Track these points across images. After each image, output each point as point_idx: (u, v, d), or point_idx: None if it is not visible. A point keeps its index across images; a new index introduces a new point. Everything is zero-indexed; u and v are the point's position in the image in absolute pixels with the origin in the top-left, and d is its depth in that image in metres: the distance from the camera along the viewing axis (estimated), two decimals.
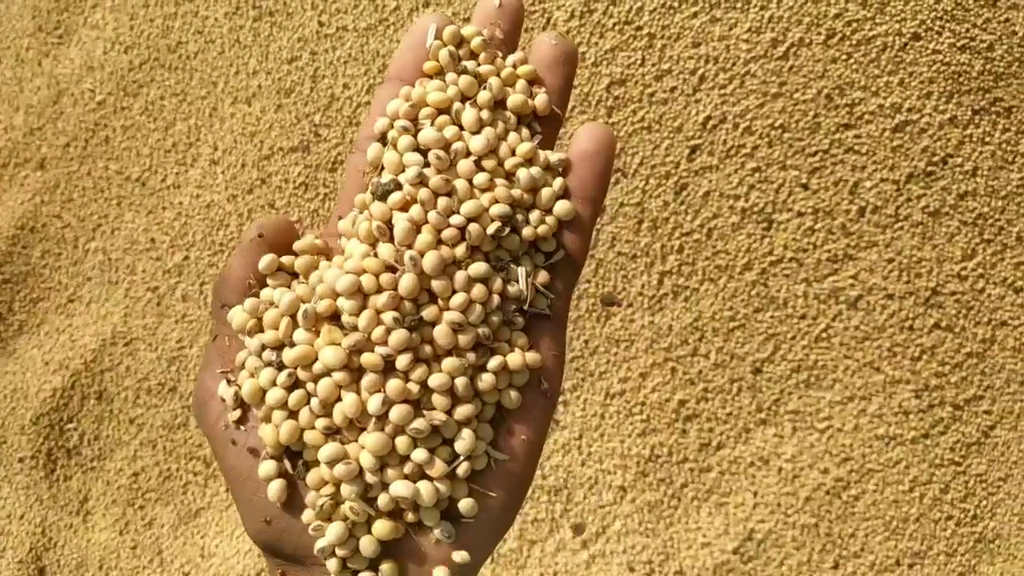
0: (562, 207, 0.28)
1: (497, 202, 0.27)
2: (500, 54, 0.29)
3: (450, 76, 0.28)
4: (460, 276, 0.26)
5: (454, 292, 0.26)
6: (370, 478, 0.26)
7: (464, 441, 0.26)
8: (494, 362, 0.26)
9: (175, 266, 0.83)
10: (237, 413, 0.27)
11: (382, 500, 0.26)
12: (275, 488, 0.26)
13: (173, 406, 0.82)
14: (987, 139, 0.71)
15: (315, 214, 0.77)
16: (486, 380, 0.26)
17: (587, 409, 0.76)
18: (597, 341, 0.75)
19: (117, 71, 0.84)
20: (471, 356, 0.26)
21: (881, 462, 0.74)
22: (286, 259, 0.28)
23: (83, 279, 0.86)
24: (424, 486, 0.26)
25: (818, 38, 0.69)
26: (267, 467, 0.26)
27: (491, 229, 0.27)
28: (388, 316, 0.25)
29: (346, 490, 0.26)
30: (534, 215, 0.28)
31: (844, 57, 0.69)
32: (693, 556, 0.75)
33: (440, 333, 0.26)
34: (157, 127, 0.83)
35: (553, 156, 0.28)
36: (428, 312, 0.26)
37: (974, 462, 0.75)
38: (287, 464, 0.27)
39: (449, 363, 0.26)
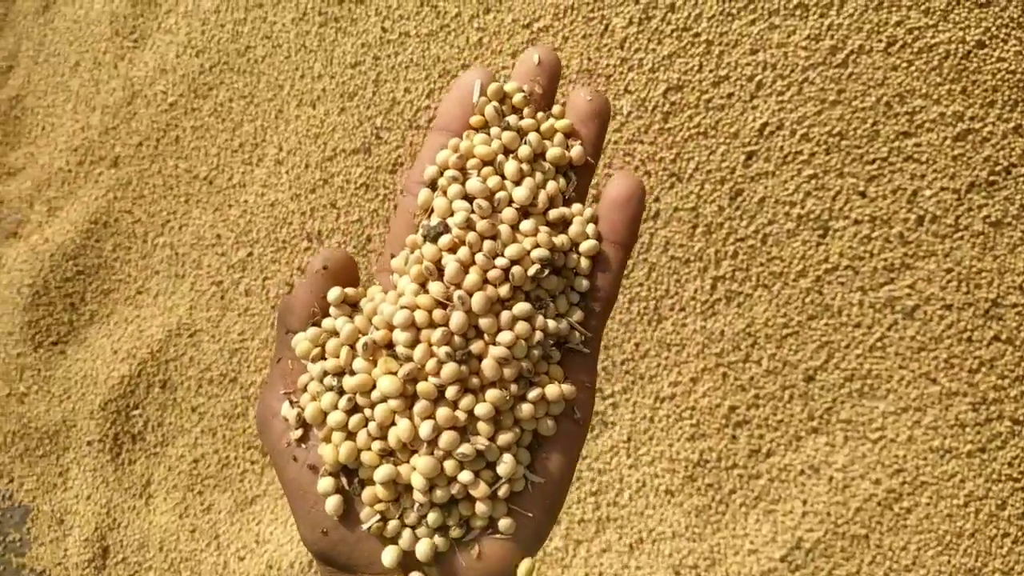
0: (589, 246, 0.30)
1: (538, 246, 0.29)
2: (540, 110, 0.32)
3: (494, 130, 0.31)
4: (505, 315, 0.29)
5: (499, 329, 0.28)
6: (419, 497, 0.28)
7: (505, 465, 0.28)
8: (533, 393, 0.29)
9: (239, 261, 0.86)
10: (299, 432, 0.29)
11: (431, 517, 0.28)
12: (332, 503, 0.28)
13: (233, 396, 0.85)
14: None
15: (375, 214, 0.79)
16: (525, 410, 0.29)
17: (636, 412, 0.76)
18: (648, 344, 0.75)
19: (188, 74, 0.87)
20: (514, 387, 0.28)
21: (935, 475, 0.73)
22: (348, 291, 0.31)
23: (151, 272, 0.90)
24: (482, 504, 0.28)
25: (879, 45, 0.69)
26: (326, 483, 0.29)
27: (532, 271, 0.29)
28: (442, 350, 0.28)
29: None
30: (570, 258, 0.30)
31: (905, 65, 0.69)
32: (740, 563, 0.75)
33: (487, 367, 0.28)
34: (225, 128, 0.86)
35: (587, 210, 0.31)
36: (476, 346, 0.28)
37: None
38: (343, 481, 0.29)
39: (493, 394, 0.28)
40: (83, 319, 0.91)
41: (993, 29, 0.68)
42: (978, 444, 0.73)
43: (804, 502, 0.74)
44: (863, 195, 0.70)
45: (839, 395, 0.73)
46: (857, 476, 0.74)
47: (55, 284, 0.90)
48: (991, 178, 0.70)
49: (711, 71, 0.71)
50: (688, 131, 0.72)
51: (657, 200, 0.74)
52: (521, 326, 0.28)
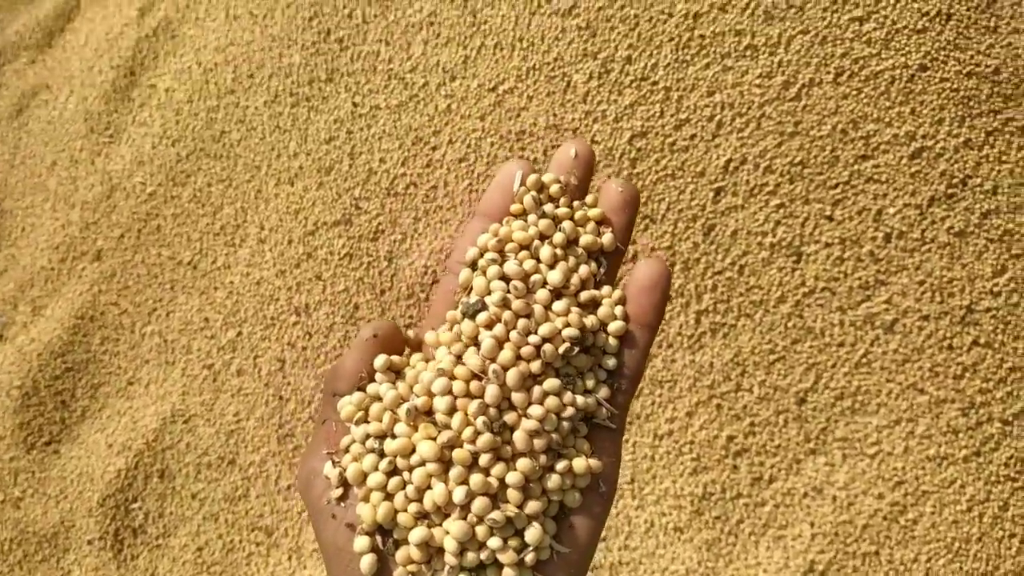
0: (616, 326, 0.32)
1: (568, 326, 0.31)
2: (575, 199, 0.35)
3: (531, 217, 0.33)
4: (537, 390, 0.30)
5: (531, 403, 0.30)
6: (451, 560, 0.29)
7: (533, 532, 0.29)
8: (561, 465, 0.30)
9: (229, 342, 0.86)
10: (340, 491, 0.30)
11: None
12: (368, 561, 0.29)
13: (233, 478, 0.84)
14: (1004, 158, 0.73)
15: (360, 282, 0.80)
16: (553, 480, 0.30)
17: (636, 452, 0.77)
18: (641, 384, 0.76)
19: (166, 163, 0.89)
20: (543, 459, 0.30)
21: (935, 483, 0.74)
22: (394, 358, 0.32)
23: (141, 362, 0.90)
24: (508, 571, 0.29)
25: (827, 77, 0.72)
26: (362, 542, 0.30)
27: (562, 349, 0.31)
28: (478, 420, 0.30)
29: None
30: (599, 337, 0.32)
31: (855, 93, 0.72)
32: None
33: (519, 438, 0.30)
34: (206, 212, 0.87)
35: (616, 292, 0.33)
36: (509, 418, 0.30)
37: None
38: (379, 540, 0.30)
39: (524, 464, 0.30)
40: (75, 416, 0.90)
41: (933, 52, 0.72)
42: (973, 448, 0.74)
43: (812, 524, 0.75)
44: (830, 219, 0.73)
45: (832, 414, 0.74)
46: (860, 492, 0.75)
47: (44, 383, 0.89)
48: (949, 191, 0.73)
49: (672, 115, 0.74)
50: (656, 174, 0.74)
51: (634, 243, 0.76)
52: (551, 400, 0.30)
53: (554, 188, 0.33)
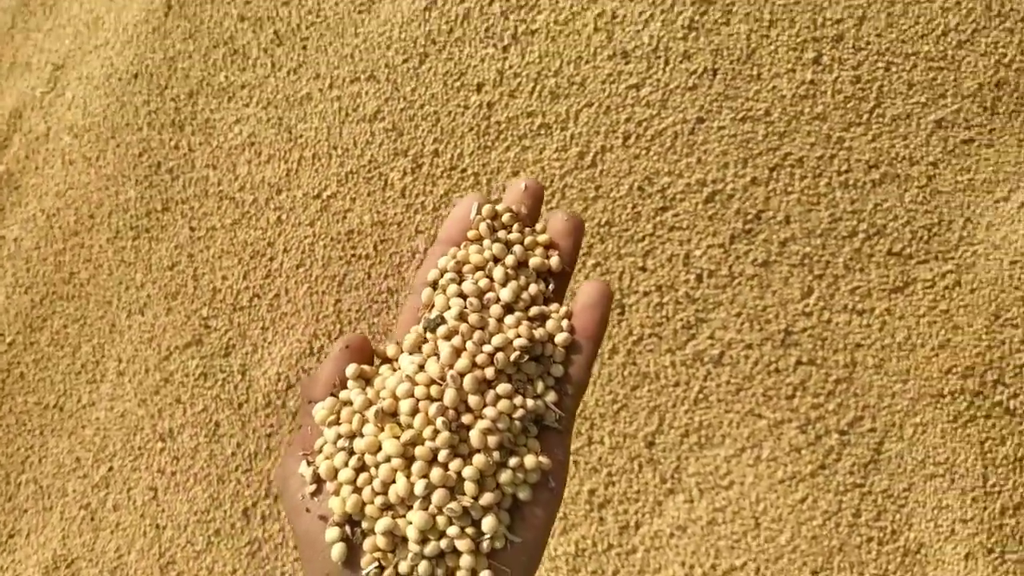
0: (562, 337, 0.36)
1: (519, 336, 0.34)
2: (526, 226, 0.39)
3: (486, 242, 0.37)
4: (491, 394, 0.34)
5: (485, 405, 0.33)
6: (413, 548, 0.32)
7: (489, 521, 0.32)
8: (513, 461, 0.33)
9: (101, 479, 0.86)
10: (313, 487, 0.33)
11: (422, 568, 0.32)
12: (338, 549, 0.32)
13: None
14: (789, 189, 0.80)
15: (217, 399, 0.82)
16: (506, 475, 0.33)
17: None
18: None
19: (21, 311, 0.90)
20: (496, 455, 0.33)
21: (789, 503, 0.77)
22: (364, 367, 0.36)
23: (19, 512, 0.88)
24: (467, 556, 0.32)
25: (617, 142, 0.78)
26: (333, 532, 0.33)
27: (513, 357, 0.34)
28: (439, 421, 0.33)
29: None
30: (547, 347, 0.35)
31: (644, 152, 0.78)
32: None
33: (474, 436, 0.33)
34: (65, 353, 0.88)
35: (563, 308, 0.37)
36: (466, 418, 0.33)
37: (875, 480, 0.78)
38: (348, 531, 0.32)
39: (479, 459, 0.33)
40: None
41: (707, 105, 0.79)
42: (817, 463, 0.78)
43: (683, 563, 0.77)
44: (644, 269, 0.78)
45: (681, 452, 0.78)
46: (722, 523, 0.77)
47: None
48: (747, 226, 0.79)
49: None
50: None
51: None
52: (503, 403, 0.33)
53: (506, 217, 0.37)
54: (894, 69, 0.84)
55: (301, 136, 0.81)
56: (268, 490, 0.81)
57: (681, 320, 0.78)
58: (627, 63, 0.79)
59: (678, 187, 0.78)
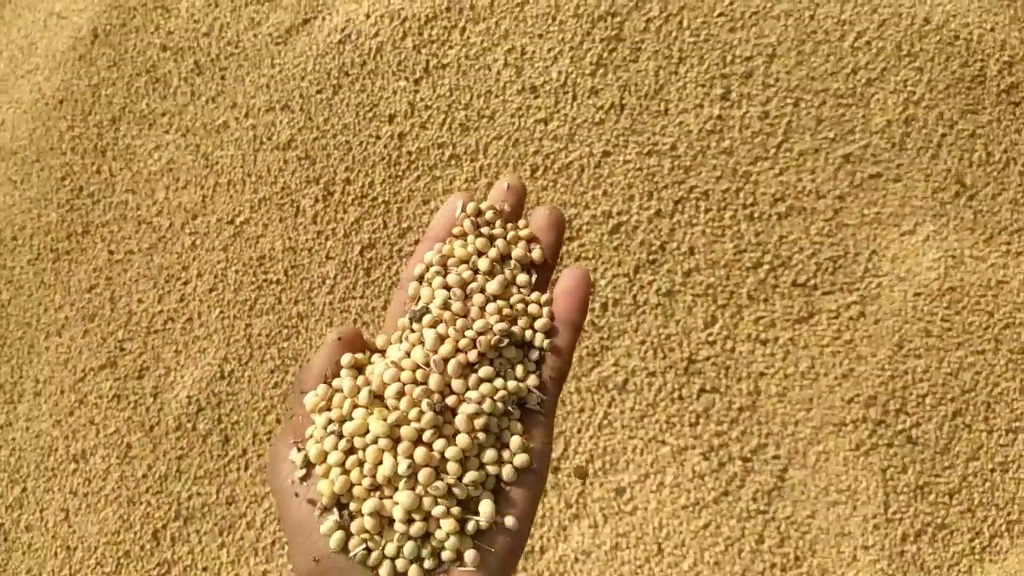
0: (542, 322, 0.37)
1: (500, 322, 0.35)
2: (508, 222, 0.40)
3: (471, 238, 0.38)
4: (473, 377, 0.35)
5: (468, 388, 0.34)
6: (400, 528, 0.33)
7: (485, 506, 0.33)
8: (497, 442, 0.35)
9: (15, 499, 0.86)
10: (302, 472, 0.34)
11: (407, 548, 0.33)
12: (336, 538, 0.33)
13: None
14: (694, 221, 0.81)
15: (129, 421, 0.82)
16: (489, 455, 0.34)
17: None
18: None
19: None
20: (481, 436, 0.34)
21: (692, 529, 0.78)
22: (357, 356, 0.36)
23: None
24: (453, 537, 0.33)
25: (525, 173, 0.80)
26: (329, 522, 0.33)
27: (494, 340, 0.35)
28: (424, 403, 0.34)
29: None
30: (528, 333, 0.36)
31: (551, 184, 0.80)
32: None
33: (459, 419, 0.34)
34: None
35: (544, 296, 0.38)
36: (450, 400, 0.34)
37: (779, 507, 0.79)
38: (338, 514, 0.33)
39: (463, 439, 0.34)
40: None
41: (613, 139, 0.81)
42: (720, 489, 0.79)
43: None
44: None
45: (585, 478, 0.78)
46: (626, 548, 0.78)
47: None
48: (651, 257, 0.80)
49: (395, 225, 0.80)
50: (389, 279, 0.80)
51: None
52: (486, 386, 0.34)
53: (489, 214, 0.39)
54: (803, 105, 0.86)
55: (217, 163, 0.83)
56: (178, 512, 0.81)
57: (586, 347, 0.79)
58: (536, 98, 0.81)
59: (584, 218, 0.80)
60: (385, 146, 0.80)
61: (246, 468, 0.80)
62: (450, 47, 0.82)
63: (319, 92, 0.82)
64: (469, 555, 0.33)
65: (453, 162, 0.80)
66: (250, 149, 0.82)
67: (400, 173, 0.80)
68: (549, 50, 0.81)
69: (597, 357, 0.79)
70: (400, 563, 0.33)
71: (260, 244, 0.81)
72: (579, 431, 0.79)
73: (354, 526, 0.33)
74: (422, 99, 0.81)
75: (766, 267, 0.82)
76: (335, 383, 0.35)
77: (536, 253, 0.39)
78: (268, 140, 0.82)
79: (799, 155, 0.85)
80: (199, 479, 0.80)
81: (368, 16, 0.84)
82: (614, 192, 0.80)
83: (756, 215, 0.83)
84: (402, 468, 0.33)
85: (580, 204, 0.80)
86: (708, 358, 0.80)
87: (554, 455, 0.78)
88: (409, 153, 0.80)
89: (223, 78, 0.84)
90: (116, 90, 0.87)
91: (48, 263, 0.87)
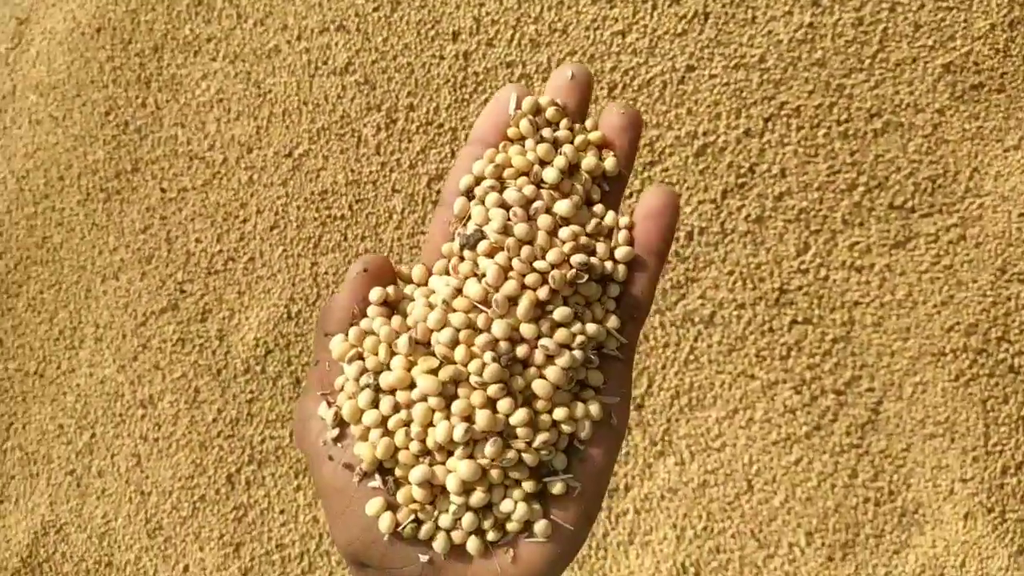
0: (623, 252, 0.30)
1: (578, 252, 0.29)
2: (574, 123, 0.32)
3: (529, 143, 0.30)
4: (547, 321, 0.28)
5: (541, 334, 0.28)
6: (456, 499, 0.28)
7: (549, 466, 0.28)
8: (569, 395, 0.29)
9: (85, 445, 0.84)
10: (336, 432, 0.29)
11: (466, 520, 0.28)
12: (385, 520, 0.28)
13: None
14: (785, 140, 0.75)
15: (196, 365, 0.80)
16: (561, 412, 0.28)
17: None
18: None
19: None
20: (565, 396, 0.28)
21: (783, 465, 0.75)
22: (389, 290, 0.30)
23: (7, 479, 0.87)
24: (521, 506, 0.28)
25: (602, 92, 0.74)
26: (375, 503, 0.28)
27: (570, 275, 0.28)
28: (487, 355, 0.28)
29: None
30: (606, 266, 0.29)
31: (631, 102, 0.74)
32: None
33: (551, 374, 0.28)
34: (42, 319, 0.86)
35: (622, 219, 0.31)
36: (520, 350, 0.28)
37: (872, 440, 0.75)
38: (381, 483, 0.28)
39: (542, 404, 0.28)
40: None
41: (697, 52, 0.74)
42: (812, 424, 0.75)
43: (674, 525, 0.75)
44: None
45: (671, 414, 0.75)
46: (714, 485, 0.75)
47: None
48: (739, 180, 0.74)
49: None
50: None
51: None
52: (562, 331, 0.28)
53: (551, 111, 0.31)
54: (899, 10, 0.78)
55: (270, 91, 0.77)
56: (251, 456, 0.79)
57: (670, 280, 0.74)
58: (612, 8, 0.74)
59: (667, 140, 0.74)
60: (450, 67, 0.74)
61: None
62: None
63: (376, 9, 0.76)
64: (539, 526, 0.28)
65: (524, 82, 0.73)
66: (305, 75, 0.76)
67: (467, 96, 0.74)
68: None
69: (682, 290, 0.74)
70: (457, 535, 0.28)
71: (321, 178, 0.76)
72: (664, 367, 0.75)
73: (401, 495, 0.28)
74: (488, 13, 0.74)
75: (861, 189, 0.76)
76: (364, 324, 0.29)
77: (610, 162, 0.31)
78: (324, 65, 0.76)
79: (895, 65, 0.77)
80: (271, 422, 0.78)
81: None
82: (699, 110, 0.73)
83: (851, 132, 0.76)
84: (458, 434, 0.27)
85: (663, 124, 0.73)
86: (800, 288, 0.75)
87: (638, 392, 0.75)
88: (476, 74, 0.74)
89: None
90: (156, 15, 0.81)
91: (99, 203, 0.83)
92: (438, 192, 0.75)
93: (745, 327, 0.74)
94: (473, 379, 0.27)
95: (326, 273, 0.77)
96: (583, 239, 0.29)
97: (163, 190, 0.81)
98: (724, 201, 0.74)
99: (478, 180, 0.30)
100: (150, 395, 0.81)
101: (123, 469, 0.83)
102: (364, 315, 0.30)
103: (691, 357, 0.75)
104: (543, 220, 0.29)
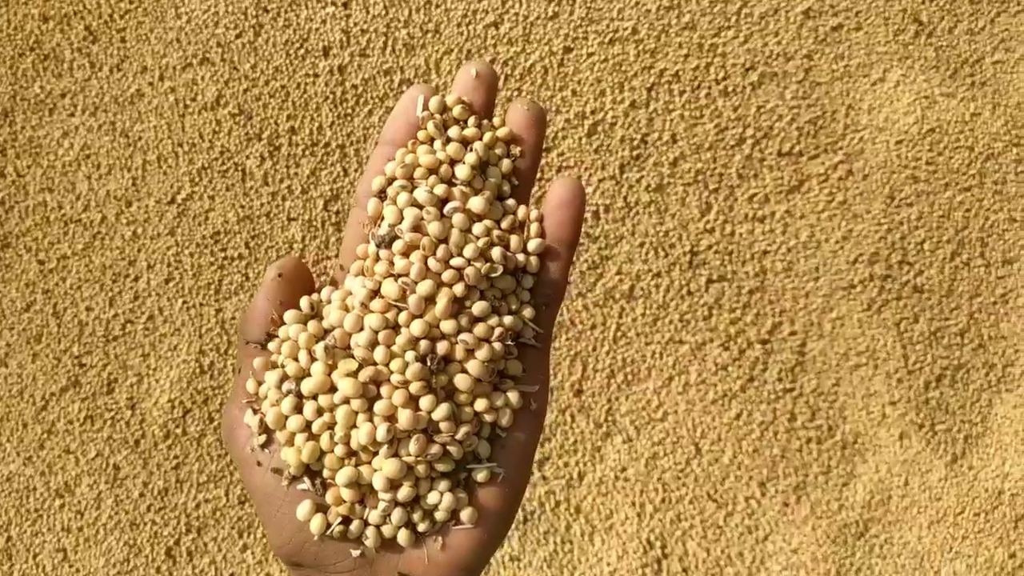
0: (535, 244, 0.31)
1: (494, 245, 0.29)
2: (483, 120, 0.33)
3: (438, 143, 0.31)
4: (465, 316, 0.29)
5: (460, 329, 0.29)
6: (384, 496, 0.28)
7: (472, 456, 0.29)
8: (489, 385, 0.30)
9: (2, 552, 0.77)
10: (262, 438, 0.29)
11: (396, 515, 0.29)
12: (316, 522, 0.29)
13: None
14: (671, 107, 0.76)
15: (109, 441, 0.74)
16: (482, 403, 0.29)
17: None
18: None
19: None
20: (486, 387, 0.29)
21: (725, 422, 0.76)
22: (314, 297, 0.31)
23: None
24: (447, 497, 0.29)
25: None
26: (305, 507, 0.29)
27: (485, 269, 0.29)
28: (409, 355, 0.28)
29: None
30: (520, 257, 0.30)
31: (515, 92, 0.73)
32: None
33: (461, 381, 0.29)
34: None
35: (533, 212, 0.31)
36: (441, 347, 0.29)
37: (803, 382, 0.77)
38: (307, 483, 0.29)
39: (463, 395, 0.29)
40: None
41: (572, 33, 0.74)
42: (745, 377, 0.76)
43: (633, 504, 0.75)
44: None
45: (610, 394, 0.75)
46: (664, 456, 0.75)
47: None
48: (634, 153, 0.75)
49: (355, 170, 0.72)
50: None
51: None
52: (482, 326, 0.29)
53: (458, 110, 0.31)
54: None
55: (140, 138, 0.73)
56: (188, 524, 0.75)
57: (586, 261, 0.74)
58: (480, 1, 0.74)
59: (558, 124, 0.74)
60: (326, 84, 0.72)
61: None
62: None
63: (238, 36, 0.73)
64: (466, 513, 0.29)
65: (404, 87, 0.72)
66: (174, 115, 0.72)
67: (349, 111, 0.72)
68: None
69: (599, 269, 0.75)
70: (387, 529, 0.29)
71: (210, 219, 0.72)
72: (594, 349, 0.75)
73: (329, 496, 0.29)
74: (356, 23, 0.73)
75: (750, 142, 0.78)
76: (282, 332, 0.30)
77: (523, 161, 0.32)
78: (192, 102, 0.72)
79: (760, 18, 0.80)
80: (203, 484, 0.73)
81: None
82: (583, 90, 0.74)
83: (730, 89, 0.78)
84: (381, 434, 0.28)
85: (551, 109, 0.73)
86: (710, 247, 0.76)
87: (574, 377, 0.75)
88: (354, 87, 0.72)
89: (123, 40, 0.73)
90: (0, 77, 0.75)
91: None
92: (337, 214, 0.73)
93: (665, 295, 0.75)
94: (394, 378, 0.28)
95: (233, 318, 0.73)
96: (496, 233, 0.30)
97: (40, 262, 0.75)
98: (623, 175, 0.75)
99: (390, 181, 0.31)
100: (65, 482, 0.75)
101: (49, 568, 0.76)
102: (283, 322, 0.30)
103: (619, 334, 0.75)
104: (457, 218, 0.30)
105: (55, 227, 0.74)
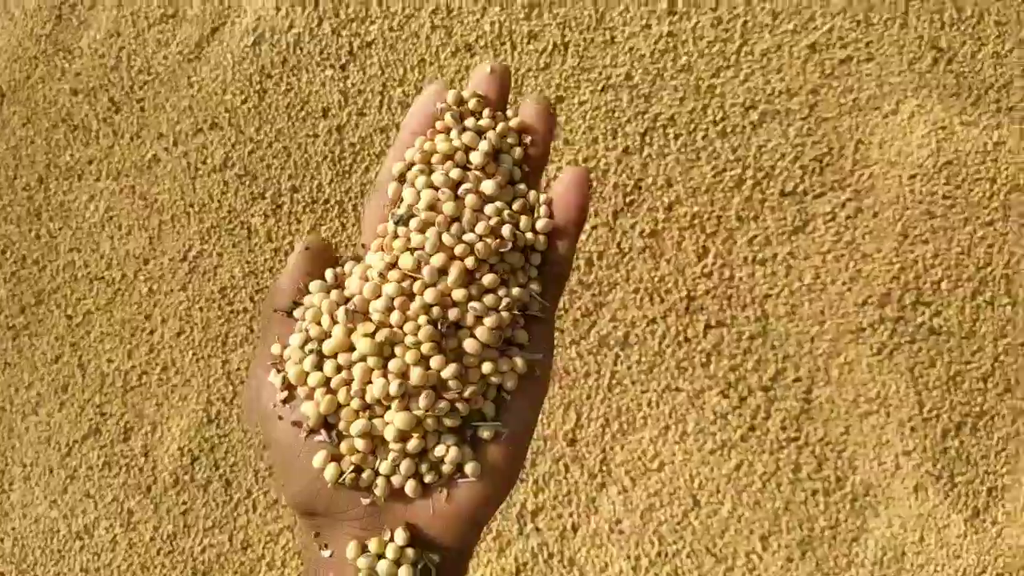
0: (543, 223, 0.33)
1: (505, 224, 0.32)
2: (497, 113, 0.36)
3: (454, 133, 0.34)
4: (475, 287, 0.32)
5: (471, 298, 0.31)
6: (394, 447, 0.31)
7: (488, 408, 0.32)
8: (495, 351, 0.32)
9: None
10: (284, 394, 0.32)
11: (404, 465, 0.31)
12: (331, 471, 0.31)
13: None
14: (665, 151, 0.77)
15: (124, 486, 0.79)
16: (488, 366, 0.31)
17: None
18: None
19: None
20: (493, 352, 0.31)
21: (725, 473, 0.75)
22: (339, 270, 0.33)
23: None
24: (453, 450, 0.31)
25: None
26: (320, 456, 0.31)
27: (495, 245, 0.32)
28: (422, 319, 0.31)
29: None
30: (528, 235, 0.33)
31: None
32: None
33: (471, 344, 0.31)
34: None
35: (542, 195, 0.34)
36: (452, 314, 0.31)
37: (809, 430, 0.75)
38: (324, 435, 0.31)
39: (470, 360, 0.31)
40: None
41: (563, 83, 0.76)
42: (746, 425, 0.75)
43: (628, 557, 0.74)
44: None
45: (605, 443, 0.75)
46: (660, 508, 0.75)
47: None
48: (628, 199, 0.76)
49: (352, 224, 0.76)
50: None
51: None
52: (490, 296, 0.31)
53: (473, 103, 0.34)
54: (755, 2, 0.82)
55: (156, 200, 0.78)
56: (194, 568, 0.78)
57: (580, 309, 0.75)
58: (472, 56, 0.77)
59: (550, 173, 0.75)
60: (325, 143, 0.76)
61: (254, 509, 0.77)
62: (371, 22, 0.77)
63: (244, 102, 0.78)
64: (470, 467, 0.31)
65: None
66: (186, 178, 0.78)
67: (347, 168, 0.76)
68: (476, 2, 0.76)
69: (592, 316, 0.75)
70: (396, 479, 0.31)
71: (218, 275, 0.77)
72: (588, 397, 0.75)
73: (344, 447, 0.31)
74: (353, 84, 0.77)
75: (750, 182, 0.78)
76: (307, 301, 0.32)
77: (533, 149, 0.35)
78: (203, 164, 0.77)
79: (762, 55, 0.80)
80: (208, 530, 0.77)
81: (278, 9, 0.79)
82: (575, 139, 0.75)
83: (729, 130, 0.78)
84: (394, 388, 0.30)
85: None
86: (707, 292, 0.76)
87: (568, 426, 0.75)
88: (352, 145, 0.76)
89: (142, 110, 0.79)
90: (36, 147, 0.83)
91: (8, 342, 0.84)
92: None
93: (660, 341, 0.75)
94: (408, 340, 0.31)
95: (238, 369, 0.77)
96: (507, 213, 0.33)
97: (69, 317, 0.81)
98: (616, 222, 0.76)
99: (409, 166, 0.34)
100: (85, 525, 0.80)
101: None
102: (308, 292, 0.33)
103: (613, 382, 0.75)
104: (470, 198, 0.32)
105: (82, 284, 0.81)
